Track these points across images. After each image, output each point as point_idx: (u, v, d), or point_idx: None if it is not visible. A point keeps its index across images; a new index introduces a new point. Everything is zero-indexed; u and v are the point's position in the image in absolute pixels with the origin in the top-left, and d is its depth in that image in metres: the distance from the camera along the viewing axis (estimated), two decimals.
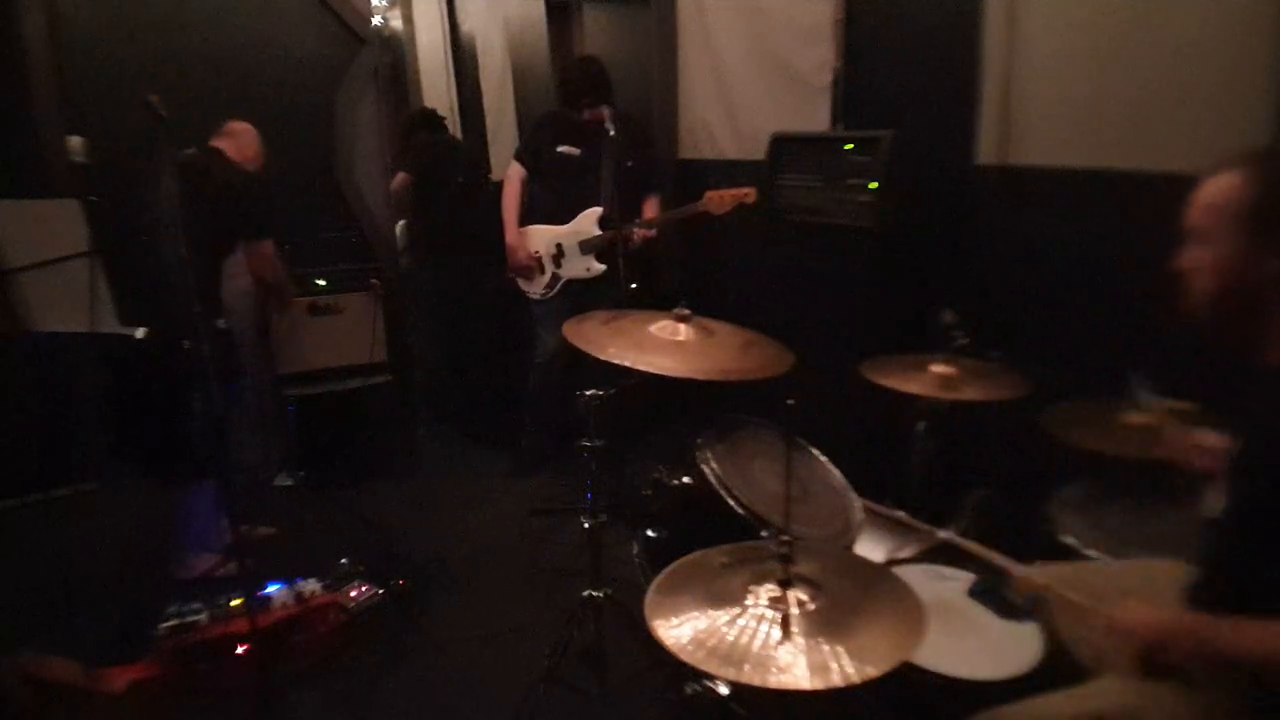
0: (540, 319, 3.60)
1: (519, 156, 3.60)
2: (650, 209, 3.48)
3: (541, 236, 3.51)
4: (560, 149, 3.47)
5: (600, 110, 3.09)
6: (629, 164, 3.29)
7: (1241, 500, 1.16)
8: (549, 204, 3.54)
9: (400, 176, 4.22)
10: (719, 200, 3.12)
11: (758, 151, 3.35)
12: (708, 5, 3.73)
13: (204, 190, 2.67)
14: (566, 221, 3.46)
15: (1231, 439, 1.30)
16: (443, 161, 4.27)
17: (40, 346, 2.98)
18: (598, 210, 3.41)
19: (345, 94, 3.83)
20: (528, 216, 3.56)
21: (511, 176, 3.56)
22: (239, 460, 3.33)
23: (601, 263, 3.42)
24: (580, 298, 3.41)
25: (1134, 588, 1.37)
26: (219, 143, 3.01)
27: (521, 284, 3.60)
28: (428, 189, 4.19)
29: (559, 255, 3.48)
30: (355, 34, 3.85)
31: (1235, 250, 1.15)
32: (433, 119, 4.37)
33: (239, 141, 3.07)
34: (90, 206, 2.15)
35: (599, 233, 3.40)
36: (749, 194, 3.10)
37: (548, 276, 3.52)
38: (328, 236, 3.80)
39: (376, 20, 4.25)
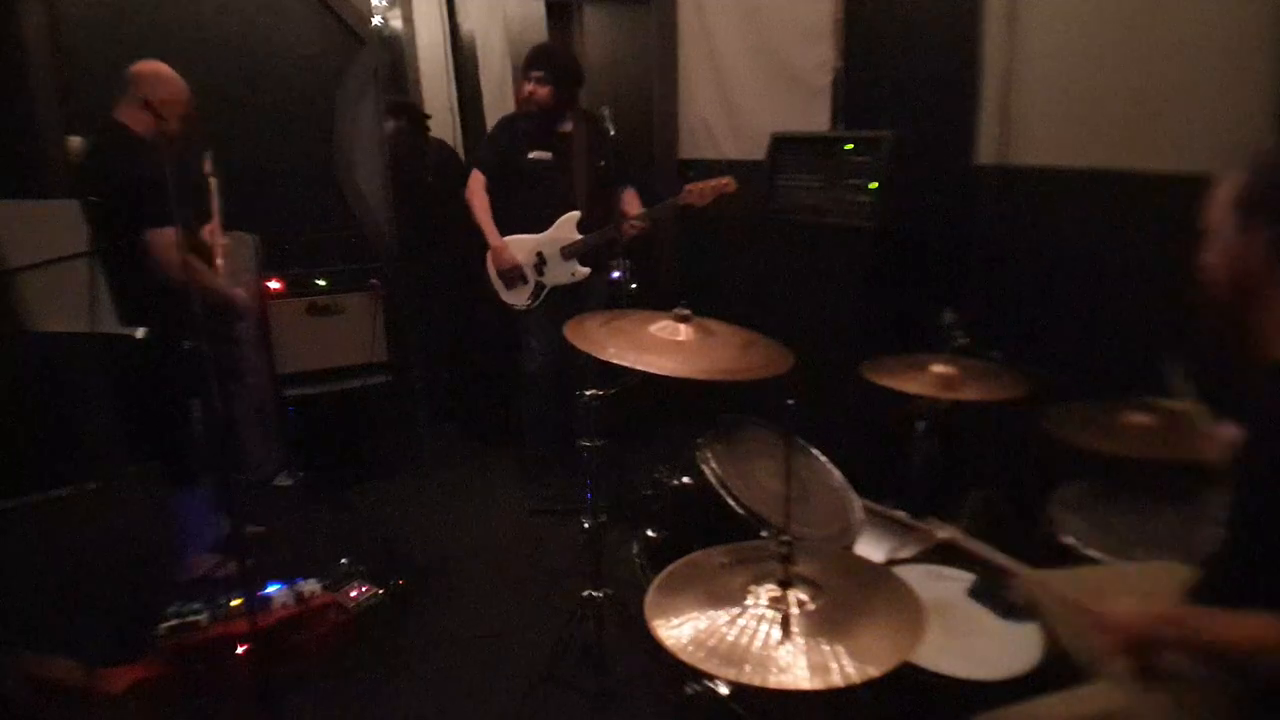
0: (527, 328, 3.48)
1: (481, 165, 3.43)
2: (630, 202, 3.37)
3: (520, 247, 3.36)
4: (532, 155, 3.33)
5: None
6: (601, 163, 3.23)
7: (1245, 497, 1.16)
8: (522, 212, 3.36)
9: None
10: (699, 192, 3.07)
11: (758, 151, 3.35)
12: (708, 5, 3.73)
13: (101, 176, 2.47)
14: (543, 229, 3.33)
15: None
16: (412, 154, 4.18)
17: (40, 346, 2.98)
18: (576, 214, 3.30)
19: (345, 94, 3.82)
20: (498, 227, 3.39)
21: (475, 187, 3.39)
22: (239, 460, 3.33)
23: (585, 266, 3.34)
24: (564, 303, 3.26)
25: (1135, 589, 1.37)
26: (121, 109, 2.60)
27: (504, 296, 3.47)
28: (401, 181, 4.06)
29: (541, 264, 3.35)
30: (355, 34, 3.84)
31: (1230, 238, 1.17)
32: (408, 109, 4.28)
33: (145, 95, 2.56)
34: (90, 206, 2.15)
35: (580, 236, 3.30)
36: (728, 183, 3.06)
37: (531, 286, 3.39)
38: (328, 236, 3.79)
39: (376, 20, 4.25)
